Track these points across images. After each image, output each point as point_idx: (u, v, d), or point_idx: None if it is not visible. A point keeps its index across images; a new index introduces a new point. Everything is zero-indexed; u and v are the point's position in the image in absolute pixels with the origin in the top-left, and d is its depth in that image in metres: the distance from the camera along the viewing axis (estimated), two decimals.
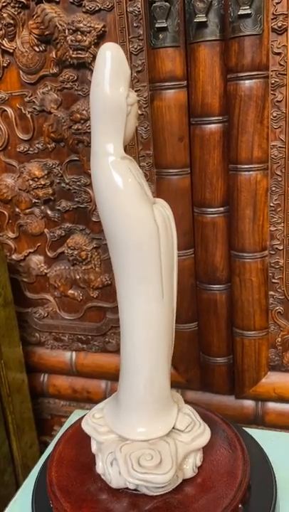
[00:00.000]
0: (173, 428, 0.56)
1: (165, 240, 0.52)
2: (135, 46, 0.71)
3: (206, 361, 0.82)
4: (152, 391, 0.56)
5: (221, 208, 0.73)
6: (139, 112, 0.74)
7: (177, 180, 0.74)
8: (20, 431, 0.90)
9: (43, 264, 0.90)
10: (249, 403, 0.83)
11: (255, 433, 0.69)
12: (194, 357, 0.83)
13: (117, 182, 0.50)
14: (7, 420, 0.86)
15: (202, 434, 0.57)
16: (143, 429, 0.56)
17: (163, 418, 0.56)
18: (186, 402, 0.65)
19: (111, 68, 0.49)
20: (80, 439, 0.63)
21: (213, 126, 0.69)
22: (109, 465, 0.56)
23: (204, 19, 0.64)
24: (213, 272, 0.76)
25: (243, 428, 0.70)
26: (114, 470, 0.55)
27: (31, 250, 0.90)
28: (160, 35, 0.67)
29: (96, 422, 0.60)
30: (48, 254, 0.89)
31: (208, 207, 0.73)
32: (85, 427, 0.61)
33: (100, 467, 0.58)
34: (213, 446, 0.61)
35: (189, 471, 0.56)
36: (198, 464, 0.57)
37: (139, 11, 0.69)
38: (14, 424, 0.87)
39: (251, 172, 0.69)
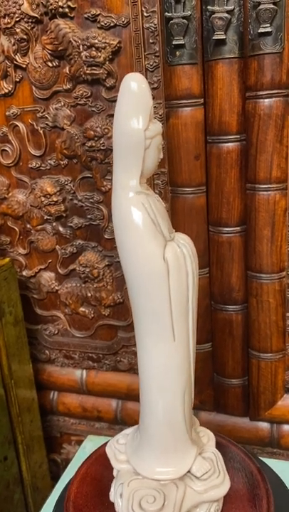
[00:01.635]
0: (189, 472, 0.53)
1: (177, 280, 0.50)
2: (151, 63, 0.70)
3: (221, 382, 0.80)
4: (166, 431, 0.53)
5: (238, 228, 0.72)
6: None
7: (192, 198, 0.73)
8: (30, 450, 0.88)
9: (53, 281, 0.89)
10: (264, 425, 0.81)
11: (278, 464, 0.66)
12: (208, 378, 0.82)
13: (128, 217, 0.49)
14: (17, 441, 0.84)
15: (219, 485, 0.53)
16: (154, 467, 0.53)
17: (177, 460, 0.53)
18: (221, 435, 0.62)
19: (131, 100, 0.47)
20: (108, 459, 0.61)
21: (230, 144, 0.68)
22: (119, 496, 0.54)
23: (223, 36, 0.63)
24: (229, 292, 0.75)
25: (267, 462, 0.67)
26: (121, 502, 0.54)
27: (42, 267, 0.89)
28: (177, 52, 0.66)
29: (118, 448, 0.59)
30: (59, 271, 0.87)
31: (224, 226, 0.72)
32: (108, 450, 0.60)
33: (112, 494, 0.57)
34: (237, 497, 0.56)
35: None
36: None
37: (156, 28, 0.68)
38: (24, 444, 0.86)
39: (270, 192, 0.67)
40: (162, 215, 0.51)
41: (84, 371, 0.92)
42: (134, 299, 0.51)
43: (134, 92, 0.47)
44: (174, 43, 0.65)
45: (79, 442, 0.98)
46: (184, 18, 0.64)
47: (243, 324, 0.76)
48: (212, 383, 0.82)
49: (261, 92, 0.64)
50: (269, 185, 0.67)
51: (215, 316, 0.77)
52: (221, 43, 0.64)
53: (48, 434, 1.00)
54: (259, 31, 0.61)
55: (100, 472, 0.62)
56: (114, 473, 0.58)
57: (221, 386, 0.81)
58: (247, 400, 0.80)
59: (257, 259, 0.71)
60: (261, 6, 0.60)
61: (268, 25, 0.61)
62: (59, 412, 0.97)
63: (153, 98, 0.70)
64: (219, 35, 0.63)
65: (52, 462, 1.03)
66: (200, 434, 0.59)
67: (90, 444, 0.71)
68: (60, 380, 0.94)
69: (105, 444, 0.65)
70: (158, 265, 0.49)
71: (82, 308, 0.88)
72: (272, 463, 0.66)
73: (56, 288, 0.89)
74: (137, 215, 0.48)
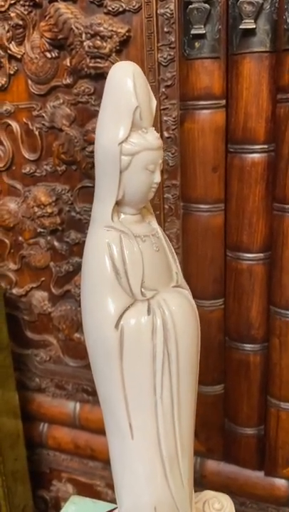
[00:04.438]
0: None
1: (133, 360, 0.37)
2: (165, 56, 0.59)
3: (232, 430, 0.69)
4: None
5: (261, 254, 0.61)
6: (166, 135, 0.62)
7: (208, 217, 0.62)
8: (12, 493, 0.78)
9: (46, 302, 0.78)
10: (281, 483, 0.69)
11: None
12: (218, 424, 0.71)
13: (86, 260, 0.38)
14: None
15: None
16: None
17: None
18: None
19: (110, 100, 0.37)
20: None
21: (256, 155, 0.57)
22: None
23: (252, 26, 0.52)
24: (247, 328, 0.63)
25: None
26: None
27: (34, 285, 0.78)
28: (196, 44, 0.55)
29: None
30: (53, 291, 0.77)
31: (244, 251, 0.61)
32: None
33: None
34: None
35: None
36: None
37: (172, 14, 0.57)
38: (5, 487, 0.75)
39: None
40: (140, 262, 0.38)
41: (77, 404, 0.82)
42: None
43: (116, 87, 0.36)
44: (193, 32, 0.54)
45: (70, 481, 0.88)
46: (205, 2, 0.54)
47: (261, 367, 0.65)
48: (222, 430, 0.71)
49: None
50: None
51: (229, 354, 0.66)
52: (250, 33, 0.53)
53: (36, 469, 0.90)
54: None
55: None
56: None
57: (232, 434, 0.70)
58: (262, 453, 0.69)
59: (283, 293, 0.60)
60: None
61: None
62: (49, 446, 0.87)
63: (166, 98, 0.60)
64: (248, 24, 0.53)
65: (39, 499, 0.93)
66: None
67: (72, 508, 0.60)
68: (51, 412, 0.84)
69: None
70: (106, 334, 0.36)
71: (77, 335, 0.77)
72: None
73: (49, 310, 0.78)
74: (95, 258, 0.37)
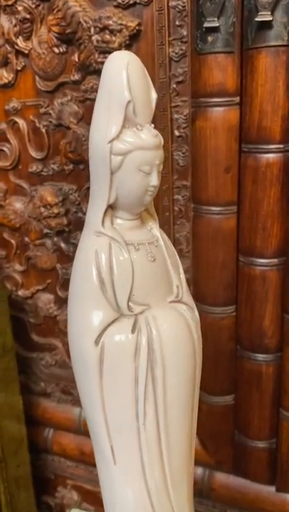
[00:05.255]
0: None
1: (114, 380, 0.34)
2: (176, 50, 0.57)
3: (243, 442, 0.66)
4: None
5: (275, 260, 0.58)
6: (177, 134, 0.59)
7: (220, 220, 0.59)
8: (15, 499, 0.76)
9: (52, 305, 0.76)
10: None
11: None
12: (228, 435, 0.68)
13: (74, 270, 0.36)
14: None
15: None
16: None
17: None
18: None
19: (102, 92, 0.34)
20: None
21: (271, 156, 0.54)
22: None
23: (269, 18, 0.50)
24: (259, 337, 0.61)
25: None
26: None
27: (40, 287, 0.76)
28: (209, 38, 0.53)
29: None
30: (59, 293, 0.75)
31: (258, 257, 0.58)
32: None
33: None
34: None
35: None
36: None
37: (184, 6, 0.55)
38: (7, 493, 0.74)
39: None
40: (130, 272, 0.35)
41: (83, 410, 0.80)
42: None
43: (109, 80, 0.33)
44: (206, 25, 0.52)
45: (75, 488, 0.86)
46: None
47: (274, 378, 0.62)
48: (232, 441, 0.68)
49: None
50: None
51: (240, 363, 0.63)
52: (266, 26, 0.51)
53: (41, 474, 0.88)
54: None
55: None
56: None
57: (242, 446, 0.67)
58: (273, 467, 0.66)
59: None
60: None
61: None
62: (54, 452, 0.85)
63: (177, 94, 0.58)
64: (264, 16, 0.50)
65: (44, 505, 0.91)
66: None
67: None
68: (56, 418, 0.82)
69: None
70: (86, 349, 0.33)
71: None
72: None
73: (55, 313, 0.76)
74: (82, 266, 0.35)
